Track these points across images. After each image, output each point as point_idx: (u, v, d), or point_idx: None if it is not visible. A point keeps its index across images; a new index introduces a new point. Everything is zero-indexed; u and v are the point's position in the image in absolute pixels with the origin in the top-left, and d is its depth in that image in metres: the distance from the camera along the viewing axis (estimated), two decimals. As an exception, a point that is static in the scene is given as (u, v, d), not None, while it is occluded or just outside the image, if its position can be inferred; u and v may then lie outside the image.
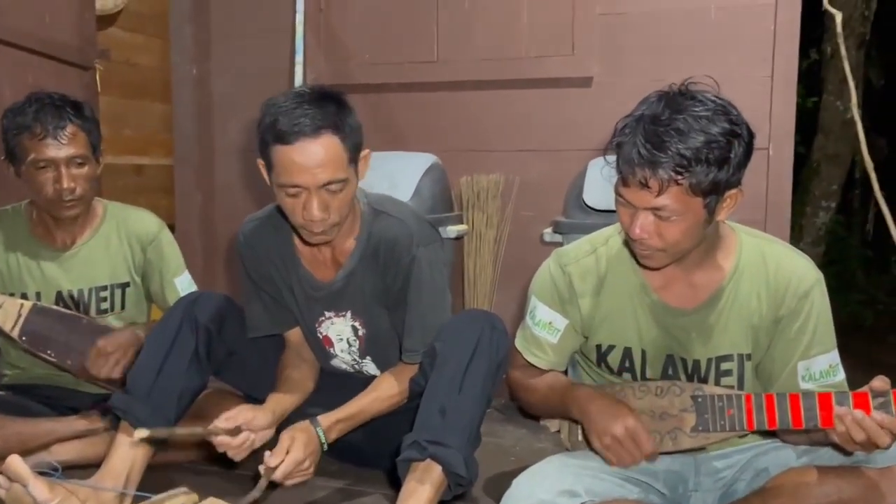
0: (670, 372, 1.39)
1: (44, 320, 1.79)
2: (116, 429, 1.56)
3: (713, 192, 1.20)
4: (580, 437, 1.47)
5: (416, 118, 2.60)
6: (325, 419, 1.52)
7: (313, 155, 1.40)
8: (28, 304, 1.78)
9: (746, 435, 1.37)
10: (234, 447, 1.45)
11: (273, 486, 1.46)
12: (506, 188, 2.48)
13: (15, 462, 1.33)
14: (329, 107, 1.42)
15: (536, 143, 2.49)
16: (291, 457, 1.42)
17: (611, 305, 1.41)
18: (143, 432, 1.37)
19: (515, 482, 1.28)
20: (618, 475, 1.33)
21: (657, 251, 1.26)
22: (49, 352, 1.79)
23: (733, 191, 1.23)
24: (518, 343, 1.53)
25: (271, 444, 1.47)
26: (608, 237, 1.44)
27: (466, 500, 1.59)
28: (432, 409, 1.42)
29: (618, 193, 1.26)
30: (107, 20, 4.18)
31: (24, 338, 1.77)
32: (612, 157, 1.25)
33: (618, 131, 1.24)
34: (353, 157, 1.47)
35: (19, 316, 1.77)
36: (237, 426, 1.45)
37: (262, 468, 1.42)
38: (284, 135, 1.40)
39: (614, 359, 1.43)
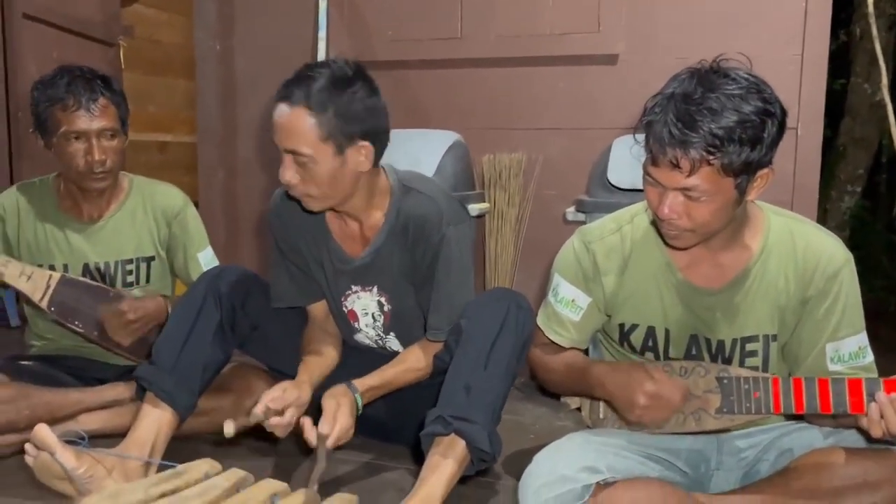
0: (694, 352, 1.39)
1: (72, 291, 1.82)
2: (142, 399, 1.58)
3: (745, 172, 1.18)
4: (601, 415, 1.47)
5: (438, 95, 2.59)
6: (360, 384, 1.53)
7: (284, 119, 1.45)
8: (56, 276, 1.81)
9: (770, 416, 1.36)
10: (285, 426, 1.45)
11: (294, 456, 1.47)
12: (528, 166, 2.47)
13: (42, 431, 1.35)
14: (321, 82, 1.43)
15: (560, 122, 2.47)
16: (342, 423, 1.42)
17: (635, 284, 1.40)
18: (230, 426, 1.41)
19: (537, 458, 1.29)
20: (639, 453, 1.33)
21: (685, 231, 1.24)
22: (77, 322, 1.81)
23: (764, 170, 1.22)
24: (540, 320, 1.53)
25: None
26: (633, 215, 1.43)
27: (488, 475, 1.60)
28: (457, 385, 1.42)
29: (646, 173, 1.24)
30: (131, -3, 4.18)
31: (52, 308, 1.79)
32: (641, 136, 1.24)
33: (648, 110, 1.22)
34: (336, 140, 1.45)
35: (48, 287, 1.80)
36: (283, 407, 1.45)
37: (308, 437, 1.40)
38: (280, 94, 1.46)
39: (637, 338, 1.42)
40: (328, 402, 1.45)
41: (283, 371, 1.76)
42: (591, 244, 1.43)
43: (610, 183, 2.08)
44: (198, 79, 2.93)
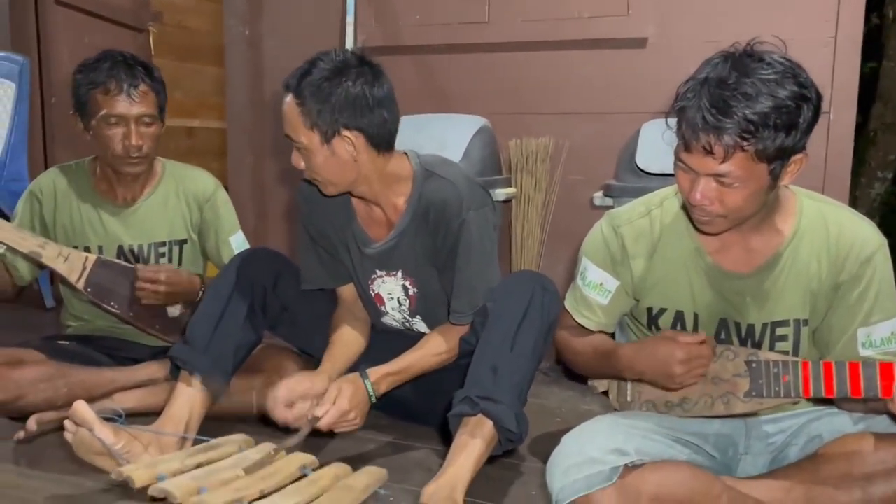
0: (723, 336, 1.38)
1: (107, 273, 1.85)
2: (176, 378, 1.62)
3: (779, 158, 1.17)
4: (629, 398, 1.48)
5: (465, 80, 2.59)
6: (374, 372, 1.55)
7: (283, 107, 1.52)
8: (92, 257, 1.84)
9: (800, 401, 1.36)
10: (294, 419, 1.49)
11: (324, 435, 1.50)
12: (555, 151, 2.47)
13: (81, 408, 1.39)
14: (316, 73, 1.48)
15: (587, 106, 2.46)
16: (336, 407, 1.46)
17: (664, 268, 1.40)
18: (292, 442, 1.46)
19: (565, 439, 1.30)
20: (668, 436, 1.33)
21: (717, 217, 1.24)
22: (112, 303, 1.85)
23: (799, 156, 1.20)
24: (567, 303, 1.53)
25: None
26: (663, 199, 1.43)
27: (513, 457, 1.62)
28: (484, 366, 1.44)
29: (678, 159, 1.24)
30: (160, -18, 4.21)
31: (88, 289, 1.82)
32: (672, 121, 1.23)
33: (680, 95, 1.21)
34: (321, 130, 1.48)
35: (84, 268, 1.83)
36: (294, 400, 1.50)
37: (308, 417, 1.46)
38: (283, 82, 1.53)
39: (665, 322, 1.43)
40: (331, 388, 1.49)
41: (311, 353, 1.80)
42: (620, 227, 1.43)
43: (638, 167, 2.07)
44: (227, 64, 2.96)
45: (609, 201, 2.11)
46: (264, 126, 2.92)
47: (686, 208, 1.33)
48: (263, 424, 1.64)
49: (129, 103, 1.78)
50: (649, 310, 1.44)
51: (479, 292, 1.56)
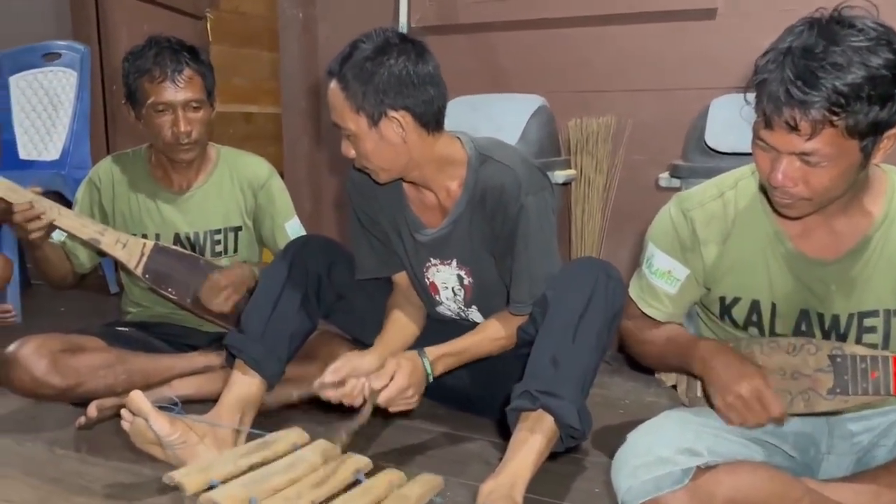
0: (804, 328, 1.28)
1: (165, 259, 1.85)
2: (232, 366, 1.61)
3: (871, 134, 1.06)
4: (699, 393, 1.39)
5: (522, 58, 2.50)
6: (432, 351, 1.51)
7: (328, 94, 1.48)
8: (150, 244, 1.85)
9: (889, 399, 1.25)
10: (346, 395, 1.46)
11: (377, 416, 1.47)
12: (617, 131, 2.36)
13: (137, 397, 1.39)
14: (357, 54, 1.43)
15: (651, 82, 2.34)
16: (396, 383, 1.42)
17: (738, 254, 1.30)
18: (354, 426, 1.44)
19: (631, 437, 1.22)
20: (742, 435, 1.24)
21: (801, 200, 1.13)
22: (170, 289, 1.85)
23: (893, 130, 1.09)
24: (632, 292, 1.45)
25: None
26: (737, 180, 1.32)
27: (576, 451, 1.55)
28: (544, 358, 1.37)
29: (758, 137, 1.13)
30: (216, -31, 4.23)
31: (147, 275, 1.84)
32: (751, 96, 1.13)
33: (760, 67, 1.10)
34: (367, 113, 1.43)
35: (142, 255, 1.84)
36: (343, 378, 1.46)
37: (366, 392, 1.43)
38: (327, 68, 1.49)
39: (740, 312, 1.33)
40: (389, 362, 1.45)
41: (367, 342, 1.75)
42: (690, 211, 1.34)
43: (708, 146, 1.94)
44: (281, 49, 2.94)
45: (676, 182, 2.00)
46: (319, 110, 2.90)
47: (764, 190, 1.22)
48: (318, 410, 1.62)
49: (175, 89, 1.77)
50: (722, 299, 1.35)
51: (539, 280, 1.50)
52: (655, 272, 1.39)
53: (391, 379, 1.43)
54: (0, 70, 2.94)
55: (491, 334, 1.56)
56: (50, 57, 2.89)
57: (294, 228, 1.99)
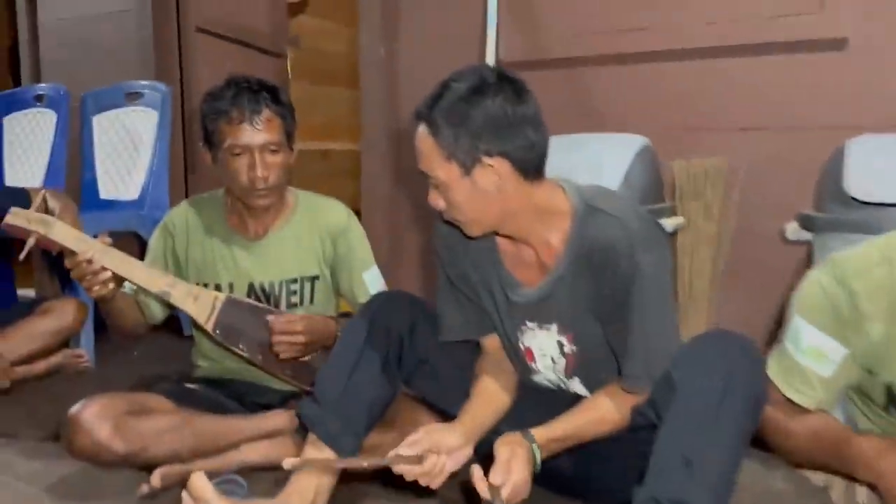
0: None
1: (237, 313, 1.75)
2: (303, 437, 1.47)
3: None
4: (861, 501, 1.14)
5: (620, 94, 2.30)
6: (540, 435, 1.31)
7: (415, 140, 1.35)
8: (222, 297, 1.75)
9: None
10: (424, 474, 1.29)
11: None
12: (730, 173, 2.12)
13: (199, 482, 1.26)
14: (448, 95, 1.29)
15: (770, 120, 2.10)
16: (516, 477, 1.23)
17: (914, 335, 1.06)
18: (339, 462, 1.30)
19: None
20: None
21: None
22: (241, 346, 1.74)
23: None
24: (772, 372, 1.23)
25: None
26: (907, 243, 1.09)
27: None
28: (673, 457, 1.14)
29: None
30: (297, 8, 4.25)
31: (217, 331, 1.73)
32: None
33: None
34: (458, 160, 1.29)
35: (213, 308, 1.74)
36: (422, 453, 1.29)
37: (479, 488, 1.22)
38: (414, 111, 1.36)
39: (913, 403, 1.08)
40: (501, 450, 1.26)
41: (451, 412, 1.58)
42: (850, 280, 1.11)
43: (847, 194, 1.68)
44: (362, 84, 2.85)
45: (807, 235, 1.74)
46: (400, 151, 2.77)
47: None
48: (393, 488, 1.45)
49: (252, 132, 1.67)
50: (888, 387, 1.11)
51: (658, 354, 1.28)
52: (805, 351, 1.16)
53: (508, 469, 1.23)
54: (84, 110, 2.94)
55: (601, 415, 1.35)
56: (132, 96, 2.88)
57: (373, 278, 1.86)
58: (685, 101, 2.22)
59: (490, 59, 2.39)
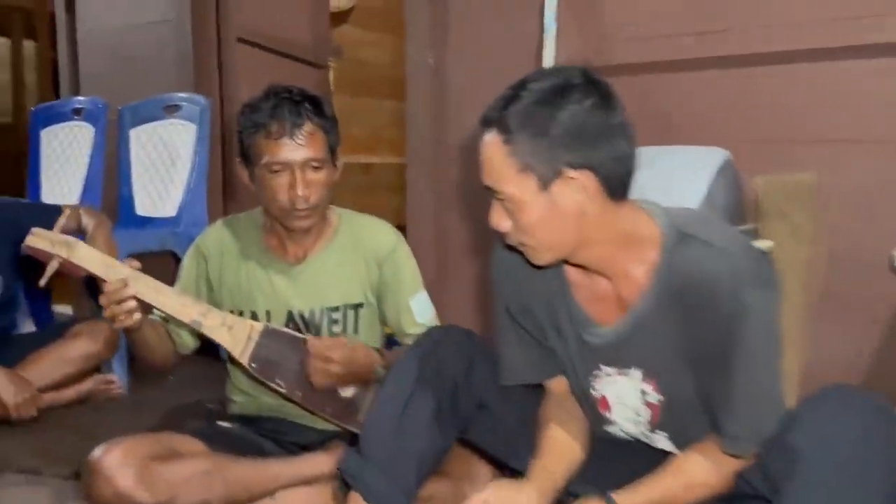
0: None
1: (274, 345, 1.60)
2: (345, 493, 1.31)
3: None
4: None
5: (694, 103, 2.10)
6: (623, 500, 1.16)
7: (481, 150, 1.18)
8: (258, 327, 1.60)
9: None
10: None
11: None
12: (822, 191, 1.90)
13: None
14: (526, 97, 1.12)
15: (868, 132, 1.87)
16: None
17: None
18: None
19: None
20: None
21: None
22: (279, 381, 1.59)
23: None
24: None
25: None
26: None
27: None
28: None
29: None
30: (339, 17, 4.15)
31: (253, 365, 1.58)
32: None
33: None
34: (537, 172, 1.13)
35: (249, 339, 1.60)
36: None
37: None
38: (480, 118, 1.18)
39: None
40: None
41: (514, 465, 1.40)
42: None
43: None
44: (408, 96, 2.69)
45: (922, 264, 1.52)
46: (447, 163, 2.60)
47: None
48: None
49: (293, 147, 1.51)
50: None
51: (766, 411, 1.09)
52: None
53: None
54: (122, 123, 2.85)
55: (695, 479, 1.16)
56: (170, 109, 2.78)
57: (420, 305, 1.71)
58: (769, 111, 2.00)
59: (548, 66, 2.21)
